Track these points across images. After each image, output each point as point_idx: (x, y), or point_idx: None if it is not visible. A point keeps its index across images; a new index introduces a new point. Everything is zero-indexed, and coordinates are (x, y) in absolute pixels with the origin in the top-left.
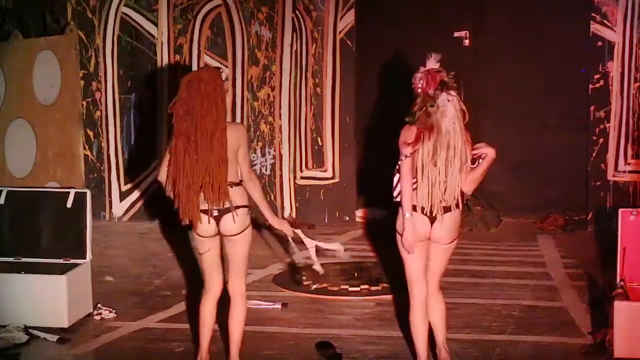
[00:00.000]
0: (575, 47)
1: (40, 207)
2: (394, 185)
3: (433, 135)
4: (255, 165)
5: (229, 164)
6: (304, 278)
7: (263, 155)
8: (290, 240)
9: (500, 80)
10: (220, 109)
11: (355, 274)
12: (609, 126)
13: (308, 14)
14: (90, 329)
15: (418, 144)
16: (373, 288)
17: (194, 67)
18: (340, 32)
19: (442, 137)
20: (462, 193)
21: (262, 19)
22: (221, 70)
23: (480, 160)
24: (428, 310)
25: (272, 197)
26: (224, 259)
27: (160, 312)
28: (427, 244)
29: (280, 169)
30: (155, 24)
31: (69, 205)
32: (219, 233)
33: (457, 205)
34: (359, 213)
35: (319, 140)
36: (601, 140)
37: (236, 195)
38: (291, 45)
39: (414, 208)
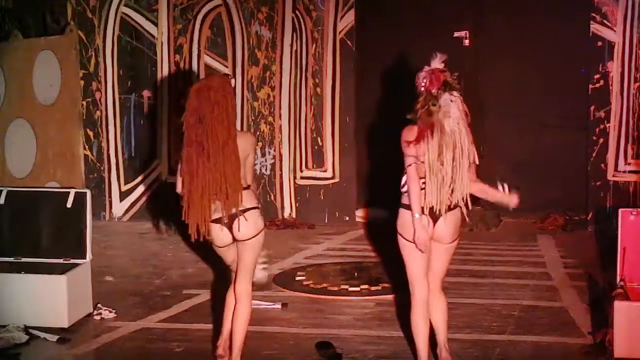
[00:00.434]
0: (575, 47)
1: (40, 207)
2: (402, 184)
3: (436, 135)
4: (255, 165)
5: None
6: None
7: (263, 155)
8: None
9: (500, 80)
10: (231, 116)
11: (355, 274)
12: (609, 126)
13: (308, 14)
14: (90, 329)
15: (419, 143)
16: (373, 288)
17: (194, 67)
18: (340, 32)
19: (447, 137)
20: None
21: (262, 19)
22: (230, 77)
23: (501, 189)
24: (430, 310)
25: (272, 197)
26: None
27: (160, 312)
28: (429, 244)
29: (280, 169)
30: (155, 24)
31: (69, 205)
32: (234, 240)
33: (466, 205)
34: (360, 213)
35: (319, 140)
36: (601, 140)
37: (245, 199)
38: (291, 45)
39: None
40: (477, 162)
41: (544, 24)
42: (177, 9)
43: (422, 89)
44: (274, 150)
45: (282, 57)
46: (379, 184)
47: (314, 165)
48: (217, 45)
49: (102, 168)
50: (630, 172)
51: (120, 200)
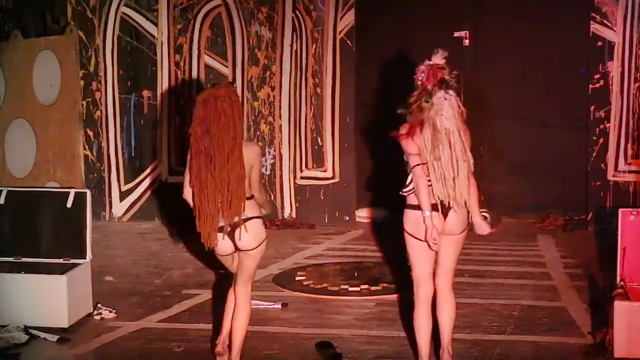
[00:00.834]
0: (575, 47)
1: (40, 207)
2: (407, 184)
3: (427, 131)
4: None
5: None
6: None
7: (263, 155)
8: None
9: (500, 80)
10: (238, 125)
11: (355, 274)
12: (609, 126)
13: (308, 14)
14: (90, 329)
15: (410, 137)
16: (373, 288)
17: (194, 67)
18: (340, 32)
19: (439, 134)
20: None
21: (262, 19)
22: (235, 85)
23: (483, 215)
24: (437, 309)
25: (272, 197)
26: None
27: (160, 312)
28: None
29: (280, 169)
30: (155, 24)
31: (69, 205)
32: (236, 249)
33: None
34: (364, 213)
35: (319, 140)
36: (601, 140)
37: (248, 209)
38: (291, 45)
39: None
40: (472, 169)
41: (544, 24)
42: (177, 9)
43: (419, 83)
44: (274, 150)
45: (282, 57)
46: (379, 184)
47: (314, 165)
48: (217, 45)
49: (102, 168)
50: (630, 172)
51: (120, 200)
